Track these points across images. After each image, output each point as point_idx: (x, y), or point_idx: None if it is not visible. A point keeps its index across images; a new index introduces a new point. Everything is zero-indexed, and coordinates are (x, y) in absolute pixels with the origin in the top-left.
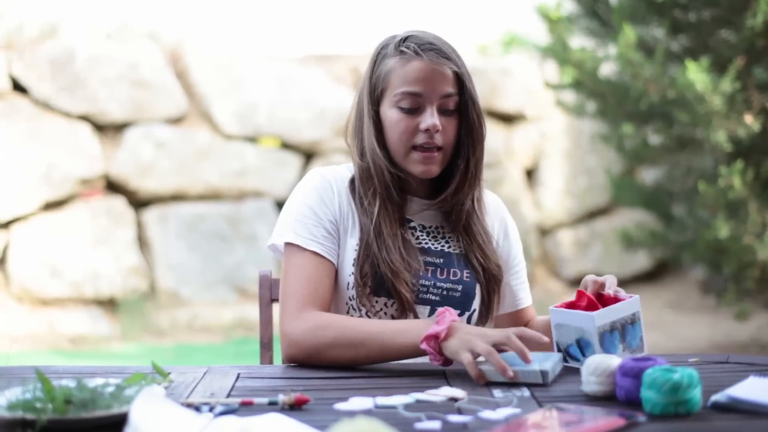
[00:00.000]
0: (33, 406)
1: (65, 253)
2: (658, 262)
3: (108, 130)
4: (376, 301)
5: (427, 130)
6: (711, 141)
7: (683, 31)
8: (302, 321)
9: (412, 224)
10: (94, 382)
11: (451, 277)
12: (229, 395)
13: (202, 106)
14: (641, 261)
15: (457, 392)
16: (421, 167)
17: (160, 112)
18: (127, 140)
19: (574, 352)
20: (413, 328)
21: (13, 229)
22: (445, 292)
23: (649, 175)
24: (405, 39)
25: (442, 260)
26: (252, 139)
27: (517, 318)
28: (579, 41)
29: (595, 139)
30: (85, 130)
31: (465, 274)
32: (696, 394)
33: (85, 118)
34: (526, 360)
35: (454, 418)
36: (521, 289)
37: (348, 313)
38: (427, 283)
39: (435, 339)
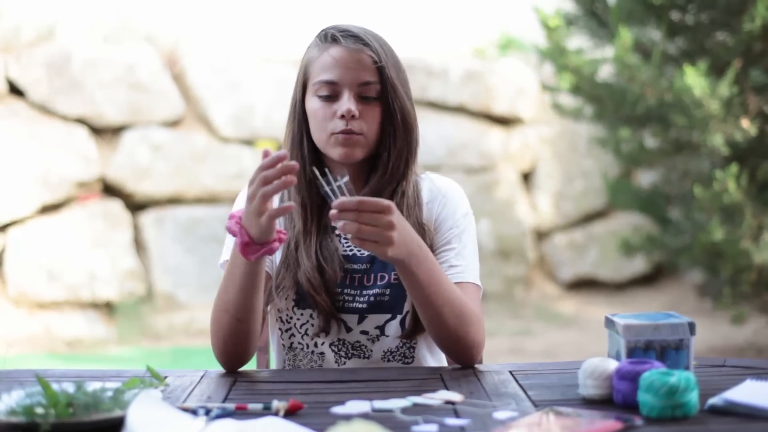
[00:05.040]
0: (34, 411)
1: (62, 256)
2: (655, 265)
3: (105, 133)
4: (302, 314)
5: (342, 116)
6: (708, 145)
7: (680, 34)
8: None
9: (338, 231)
10: (92, 387)
11: (378, 282)
12: (225, 399)
13: (199, 108)
14: (638, 264)
15: (454, 395)
16: (341, 150)
17: (156, 114)
18: (123, 143)
19: None
20: (234, 252)
21: (9, 232)
22: (372, 299)
23: (645, 179)
24: (327, 29)
25: (368, 266)
26: (249, 142)
27: None
28: (578, 41)
29: (591, 142)
30: (82, 133)
31: (392, 277)
32: (693, 397)
33: (81, 120)
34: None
35: (451, 422)
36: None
37: (277, 322)
38: (352, 292)
39: (245, 244)
